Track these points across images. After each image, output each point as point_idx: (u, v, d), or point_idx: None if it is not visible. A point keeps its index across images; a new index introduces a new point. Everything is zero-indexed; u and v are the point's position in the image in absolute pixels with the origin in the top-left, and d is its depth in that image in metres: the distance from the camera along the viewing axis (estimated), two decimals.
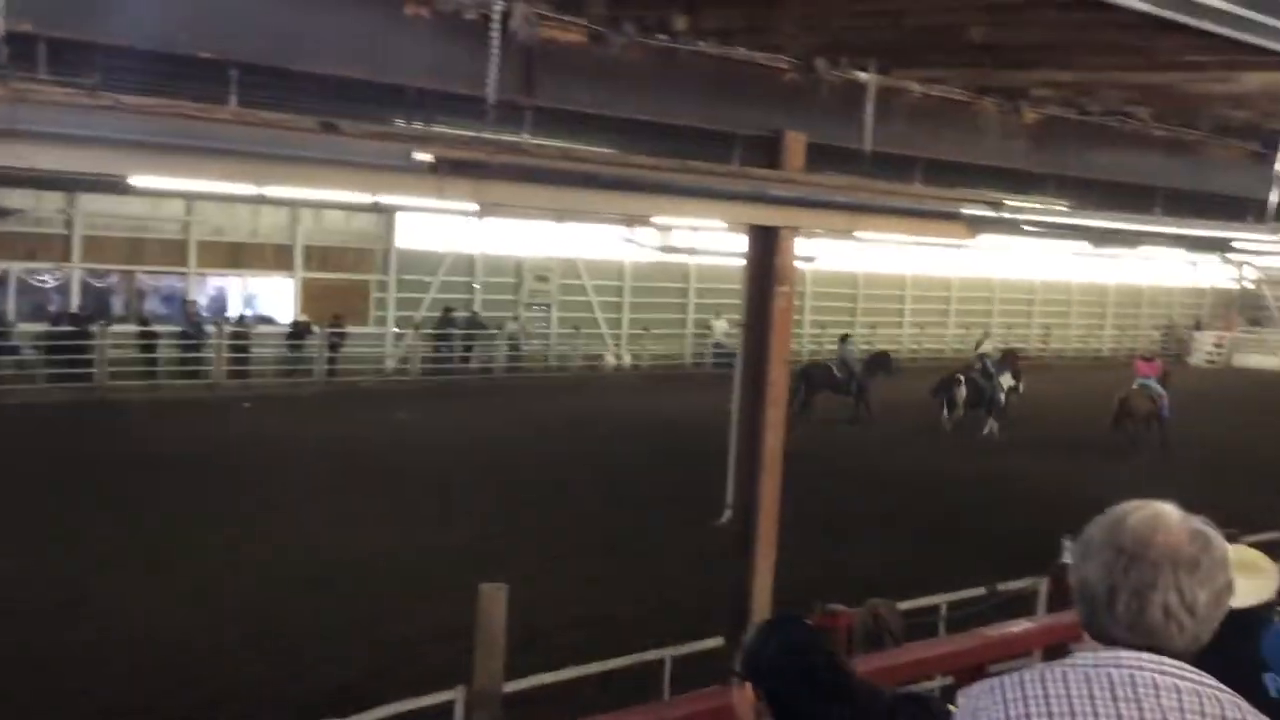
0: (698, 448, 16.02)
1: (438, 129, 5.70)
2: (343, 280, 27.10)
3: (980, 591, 10.13)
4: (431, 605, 10.65)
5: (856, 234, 11.77)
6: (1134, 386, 21.57)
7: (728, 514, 10.31)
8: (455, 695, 7.41)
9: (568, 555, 12.67)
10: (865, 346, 34.80)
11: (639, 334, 31.03)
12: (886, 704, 4.09)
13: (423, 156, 4.85)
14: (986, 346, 25.77)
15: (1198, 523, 1.95)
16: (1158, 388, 21.62)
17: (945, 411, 22.00)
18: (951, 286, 37.57)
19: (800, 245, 9.19)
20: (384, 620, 10.50)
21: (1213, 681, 1.88)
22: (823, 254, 19.36)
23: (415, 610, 10.70)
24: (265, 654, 9.66)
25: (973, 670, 6.03)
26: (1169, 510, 1.96)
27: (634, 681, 8.17)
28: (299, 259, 26.45)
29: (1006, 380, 22.81)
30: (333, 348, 25.93)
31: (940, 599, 9.93)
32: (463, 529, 13.48)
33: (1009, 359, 24.04)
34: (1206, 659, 1.95)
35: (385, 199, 7.65)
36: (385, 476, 16.08)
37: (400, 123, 5.78)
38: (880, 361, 24.86)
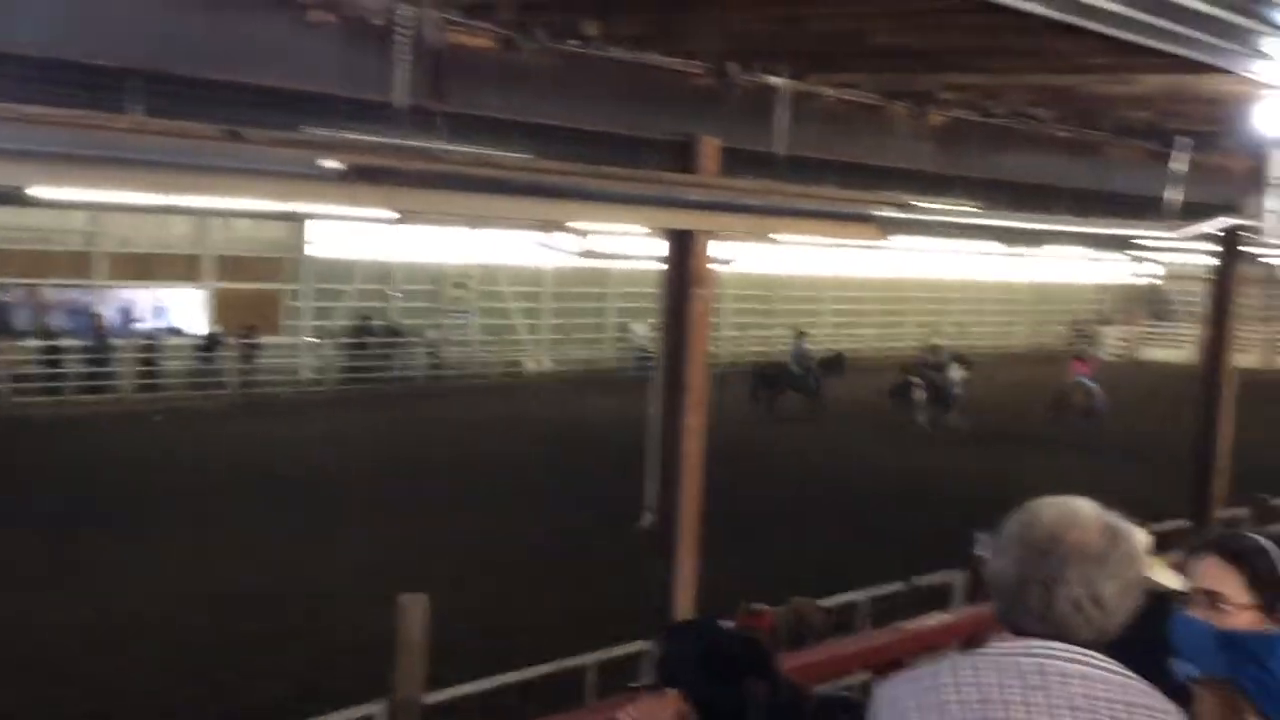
0: (619, 451, 16.02)
1: (346, 136, 5.62)
2: (255, 290, 26.59)
3: (900, 586, 10.29)
4: (351, 617, 10.52)
5: (772, 237, 11.87)
6: (1070, 381, 23.15)
7: (649, 517, 10.33)
8: (376, 709, 7.33)
9: (489, 562, 12.60)
10: (783, 348, 35.30)
11: (559, 339, 30.96)
12: (812, 707, 4.10)
13: (331, 164, 4.77)
14: (934, 339, 27.21)
15: (1111, 518, 2.00)
16: (1091, 384, 23.13)
17: (915, 414, 22.79)
18: (868, 287, 38.07)
19: (718, 248, 9.22)
20: (303, 634, 10.35)
21: (1120, 668, 1.94)
22: (741, 257, 19.62)
23: (334, 623, 10.56)
24: (183, 677, 9.45)
25: (892, 664, 6.13)
26: (1082, 505, 2.01)
27: (558, 689, 8.15)
28: (209, 269, 25.92)
29: (956, 373, 23.73)
30: (246, 359, 25.44)
31: (861, 595, 10.06)
32: (382, 539, 13.32)
33: (957, 354, 25.08)
34: (1120, 645, 2.00)
35: (295, 207, 7.52)
36: (301, 488, 15.82)
37: (308, 130, 5.69)
38: (834, 363, 25.82)
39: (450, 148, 5.72)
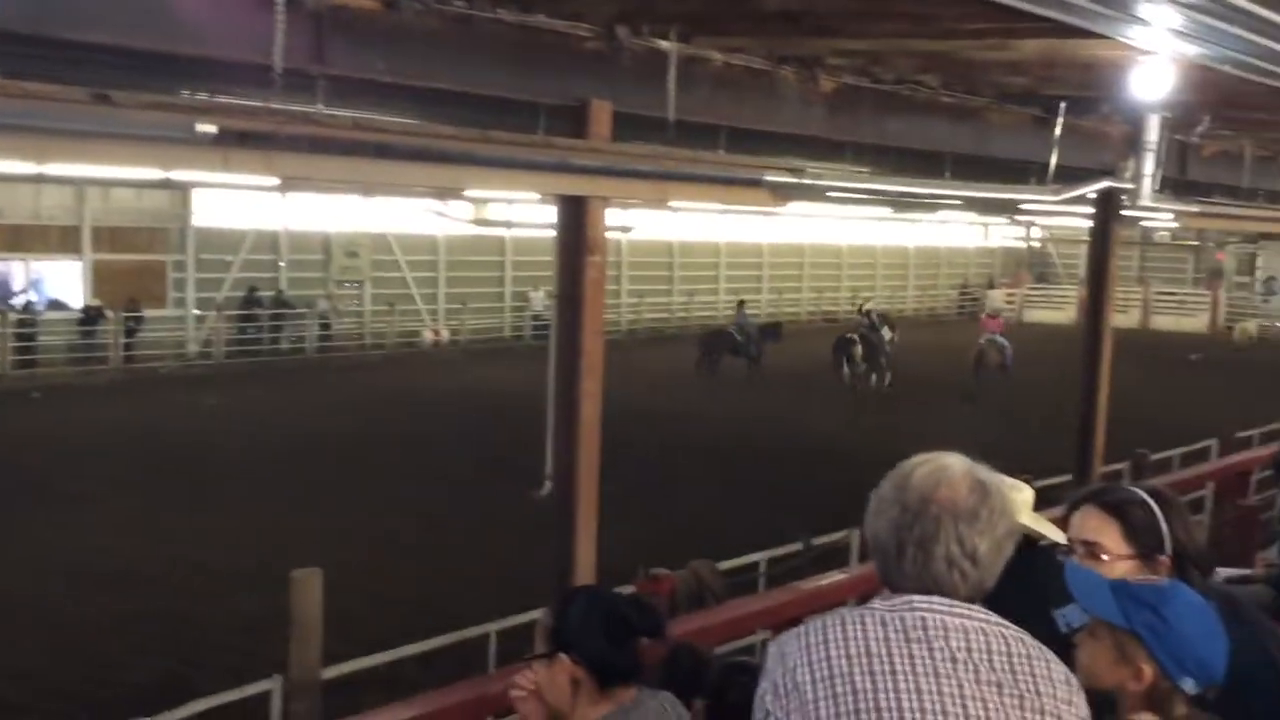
0: (518, 420, 15.94)
1: (223, 99, 5.42)
2: (136, 261, 25.76)
3: (798, 547, 10.46)
4: (247, 595, 10.34)
5: (669, 203, 11.86)
6: (983, 340, 24.38)
7: (548, 485, 10.30)
8: (272, 685, 7.22)
9: (388, 536, 12.47)
10: (682, 315, 35.57)
11: (456, 308, 30.64)
12: (717, 673, 4.14)
13: (206, 128, 4.59)
14: (870, 305, 28.00)
15: (981, 473, 2.03)
16: (1003, 340, 24.46)
17: (846, 368, 23.31)
18: (764, 253, 38.46)
19: (615, 215, 9.13)
20: (197, 613, 10.13)
21: (998, 620, 1.98)
22: (638, 224, 19.62)
23: (229, 601, 10.37)
24: (69, 658, 9.16)
25: (790, 623, 6.20)
26: (953, 463, 2.04)
27: (459, 659, 8.11)
28: (87, 240, 24.97)
29: (886, 334, 24.65)
30: (129, 333, 24.70)
31: (760, 556, 10.21)
32: (276, 515, 13.08)
33: (884, 316, 26.15)
34: (1001, 596, 2.04)
35: (176, 175, 7.26)
36: (191, 465, 15.44)
37: (183, 94, 5.47)
38: (772, 331, 26.66)
39: (333, 112, 5.57)
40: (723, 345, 24.99)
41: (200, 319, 26.45)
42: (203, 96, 5.55)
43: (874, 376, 23.79)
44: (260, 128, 4.89)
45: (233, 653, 9.11)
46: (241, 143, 4.82)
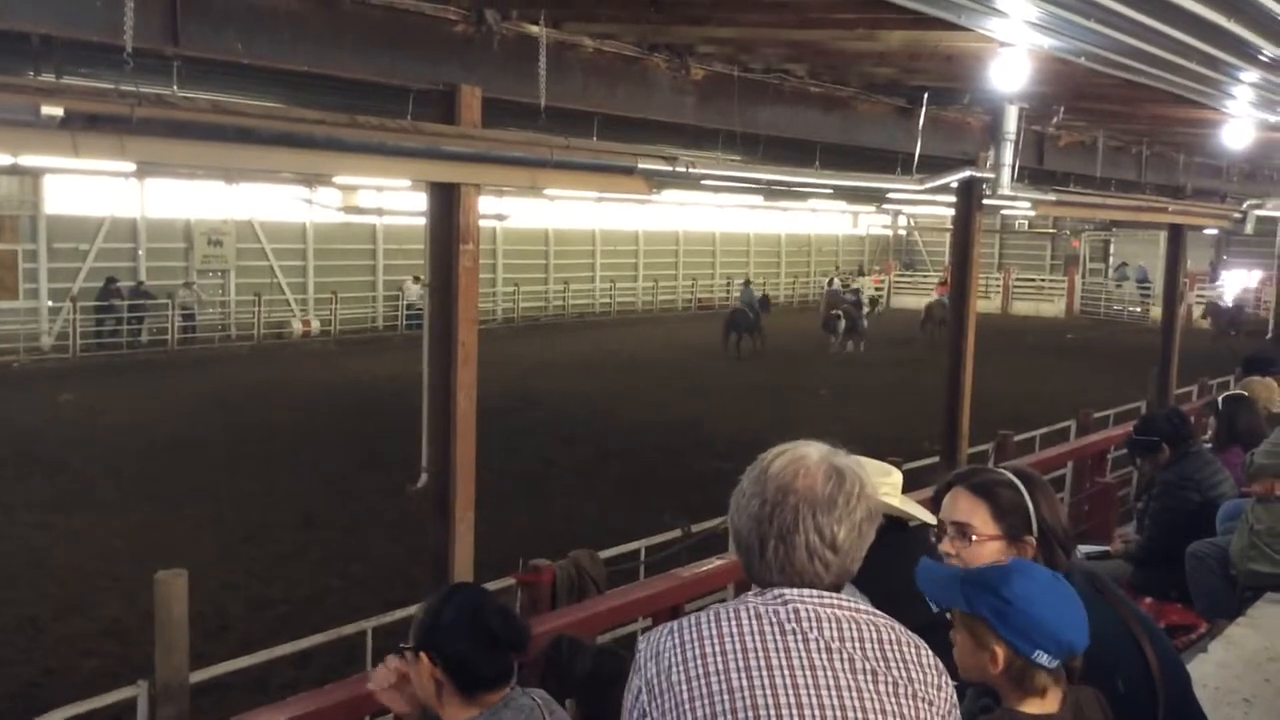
0: (393, 413, 15.73)
1: (70, 81, 5.14)
2: None
3: (677, 534, 10.51)
4: (109, 597, 9.96)
5: (544, 190, 11.77)
6: (934, 299, 30.89)
7: (424, 478, 10.16)
8: (137, 691, 6.94)
9: (260, 533, 12.13)
10: (558, 303, 35.49)
11: (326, 299, 29.95)
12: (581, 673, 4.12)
13: (52, 110, 4.35)
14: (852, 282, 33.52)
15: (839, 460, 2.03)
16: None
17: (833, 339, 27.93)
18: (640, 241, 38.60)
19: (490, 203, 9.02)
20: (58, 617, 9.70)
21: (867, 608, 1.99)
22: (513, 212, 19.52)
23: (91, 604, 9.95)
24: None
25: (671, 610, 6.24)
26: (810, 451, 2.03)
27: (338, 657, 7.94)
28: None
29: (864, 307, 29.47)
30: None
31: (639, 544, 10.23)
32: (140, 514, 12.61)
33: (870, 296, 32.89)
34: (874, 580, 2.05)
35: (24, 160, 6.90)
36: (51, 464, 14.78)
37: (26, 75, 5.17)
38: (766, 303, 29.80)
39: (189, 95, 5.33)
40: (743, 325, 27.00)
41: (55, 311, 25.32)
42: (49, 77, 5.26)
43: (849, 344, 27.85)
44: (111, 110, 4.65)
45: (98, 658, 8.76)
46: (91, 126, 4.58)
